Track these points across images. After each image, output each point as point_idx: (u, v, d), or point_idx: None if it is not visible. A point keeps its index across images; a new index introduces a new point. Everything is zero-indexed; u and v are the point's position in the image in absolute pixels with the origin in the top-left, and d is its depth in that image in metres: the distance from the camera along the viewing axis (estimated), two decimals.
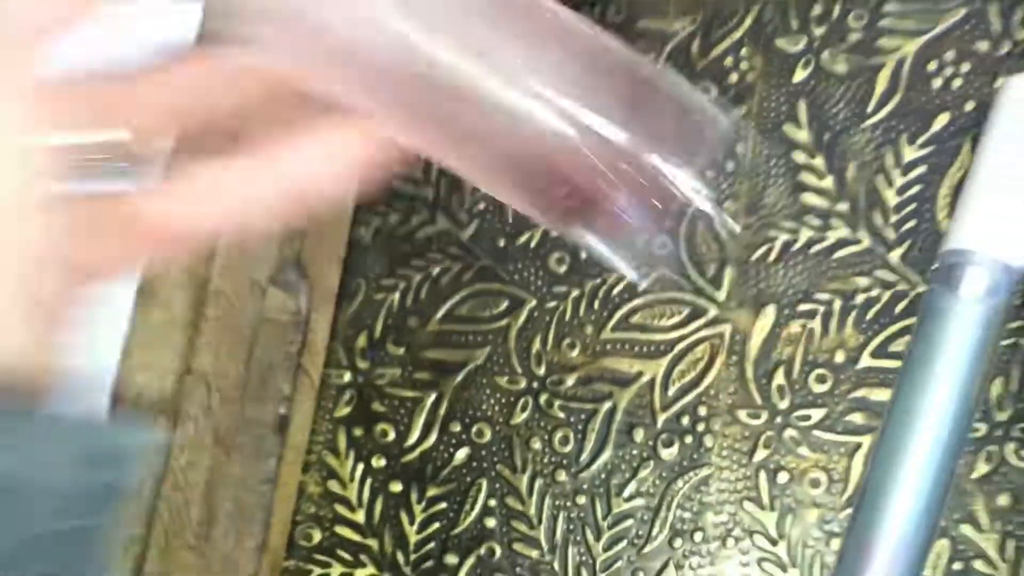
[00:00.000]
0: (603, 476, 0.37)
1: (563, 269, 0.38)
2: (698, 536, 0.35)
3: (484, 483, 0.37)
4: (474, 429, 0.38)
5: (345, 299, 0.40)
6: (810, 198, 0.37)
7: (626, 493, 0.36)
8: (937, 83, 0.37)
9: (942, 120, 0.37)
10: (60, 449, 0.21)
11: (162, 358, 0.34)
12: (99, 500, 0.22)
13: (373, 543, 0.38)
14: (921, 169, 0.36)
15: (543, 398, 0.37)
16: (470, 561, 0.37)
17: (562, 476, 0.37)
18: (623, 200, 0.23)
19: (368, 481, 0.38)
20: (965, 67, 0.37)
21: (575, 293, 0.38)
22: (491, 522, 0.37)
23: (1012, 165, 0.33)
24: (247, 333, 0.36)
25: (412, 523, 0.37)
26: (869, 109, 0.37)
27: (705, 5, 0.39)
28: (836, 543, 0.34)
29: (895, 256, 0.36)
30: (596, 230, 0.23)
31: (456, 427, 0.38)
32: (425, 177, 0.40)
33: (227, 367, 0.35)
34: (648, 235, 0.23)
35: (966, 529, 0.34)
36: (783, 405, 0.35)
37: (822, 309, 0.36)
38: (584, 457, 0.37)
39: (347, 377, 0.39)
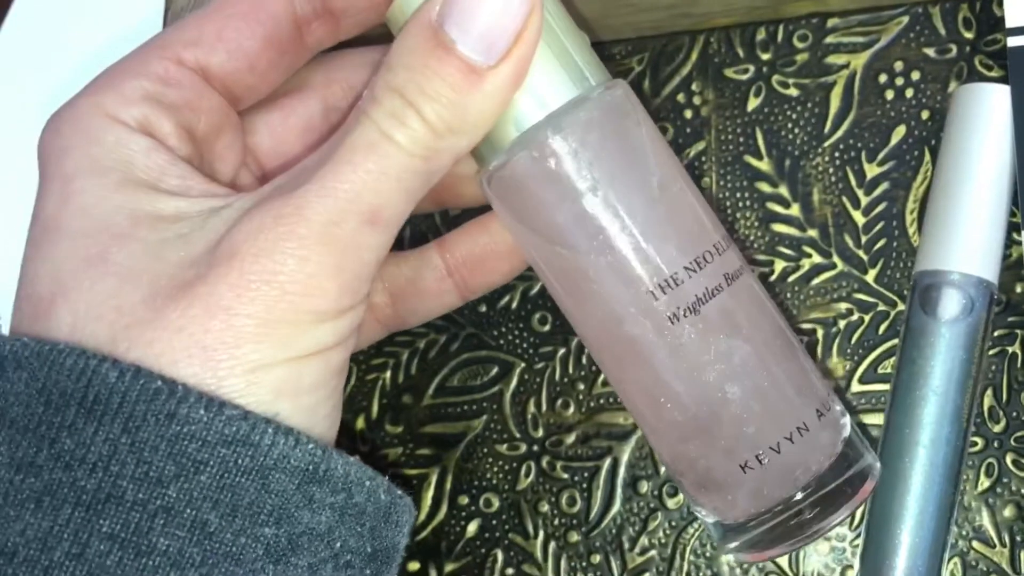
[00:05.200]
0: (614, 532, 0.37)
1: (547, 328, 0.38)
2: None
3: (499, 553, 0.38)
4: (482, 500, 0.38)
5: None
6: (780, 227, 0.37)
7: (639, 547, 0.36)
8: (890, 95, 0.37)
9: (899, 133, 0.36)
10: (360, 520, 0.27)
11: None
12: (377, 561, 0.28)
13: None
14: (885, 186, 0.36)
15: (545, 461, 0.38)
16: None
17: (574, 537, 0.37)
18: None
19: None
20: (915, 75, 0.37)
21: (562, 351, 0.38)
22: None
23: (969, 175, 0.33)
24: None
25: None
26: (826, 129, 0.37)
27: (650, 43, 0.39)
28: (851, 575, 0.35)
29: (870, 277, 0.36)
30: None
31: (464, 500, 0.38)
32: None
33: None
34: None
35: (977, 545, 0.34)
36: None
37: (806, 340, 0.36)
38: (593, 515, 0.37)
39: None
